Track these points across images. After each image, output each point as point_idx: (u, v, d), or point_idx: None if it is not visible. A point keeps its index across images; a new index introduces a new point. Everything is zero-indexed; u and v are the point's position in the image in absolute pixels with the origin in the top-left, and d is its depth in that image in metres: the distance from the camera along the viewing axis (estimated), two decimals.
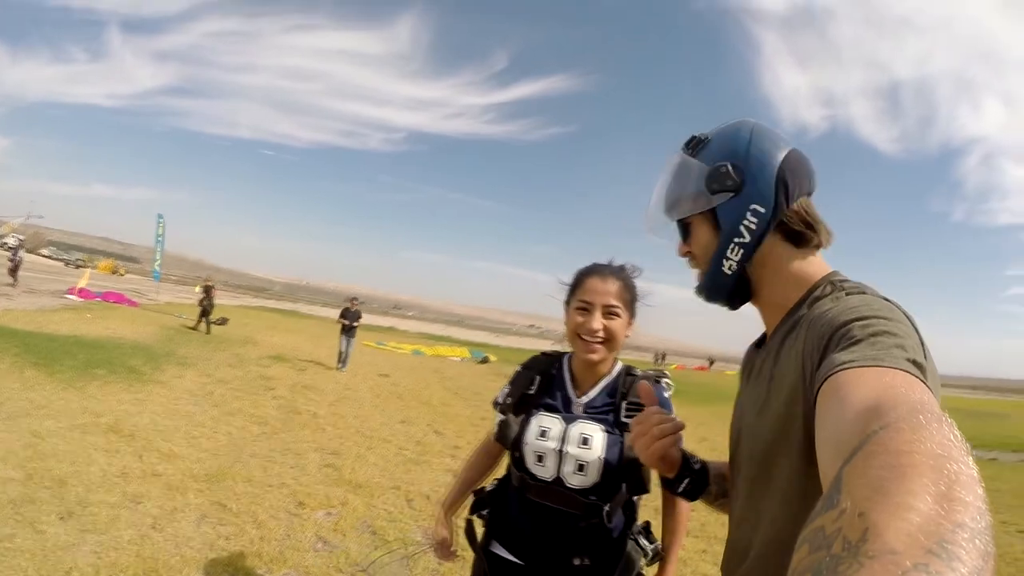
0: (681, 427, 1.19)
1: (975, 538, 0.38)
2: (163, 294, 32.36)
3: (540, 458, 1.79)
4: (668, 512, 1.87)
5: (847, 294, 0.99)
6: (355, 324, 15.77)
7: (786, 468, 0.94)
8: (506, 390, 1.98)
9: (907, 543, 0.37)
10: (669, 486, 1.31)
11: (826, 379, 0.74)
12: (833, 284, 1.06)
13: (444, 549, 2.01)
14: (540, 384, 1.93)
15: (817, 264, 1.13)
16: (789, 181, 1.11)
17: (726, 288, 1.17)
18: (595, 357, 1.79)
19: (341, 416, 8.76)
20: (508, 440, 1.93)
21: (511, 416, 1.93)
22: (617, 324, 1.79)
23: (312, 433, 7.41)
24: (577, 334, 1.80)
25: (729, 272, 1.15)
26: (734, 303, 1.21)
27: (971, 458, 0.46)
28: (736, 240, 1.13)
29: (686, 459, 1.25)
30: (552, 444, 1.77)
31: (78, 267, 54.61)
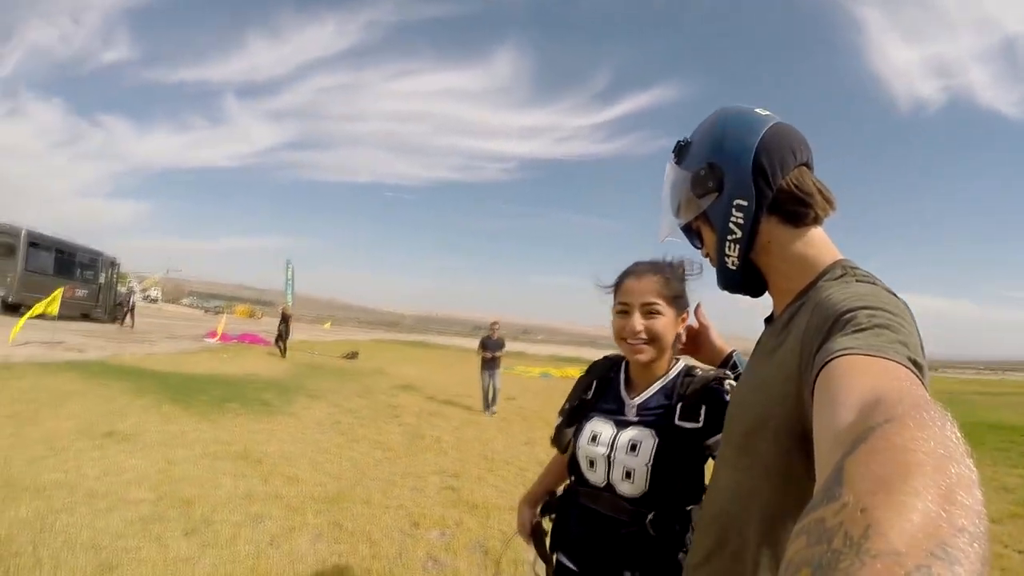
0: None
1: (974, 542, 0.38)
2: (296, 333, 34.06)
3: (592, 463, 1.78)
4: None
5: (857, 281, 1.00)
6: (499, 354, 13.05)
7: (772, 444, 0.97)
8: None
9: (910, 544, 0.38)
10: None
11: (827, 363, 0.75)
12: (844, 269, 1.06)
13: (524, 533, 2.06)
14: (597, 388, 1.92)
15: (821, 246, 1.13)
16: (767, 164, 1.12)
17: (736, 282, 1.21)
18: (642, 358, 1.75)
19: (465, 440, 8.93)
20: (562, 445, 1.94)
21: (567, 421, 1.94)
22: (660, 323, 1.74)
23: (435, 457, 7.59)
24: (621, 338, 1.77)
25: (733, 268, 1.18)
26: (753, 292, 1.23)
27: (971, 460, 0.47)
28: (729, 238, 1.16)
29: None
30: (602, 449, 1.75)
31: (217, 313, 58.79)
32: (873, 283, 0.99)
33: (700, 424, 1.69)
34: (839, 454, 0.51)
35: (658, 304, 1.73)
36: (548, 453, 6.85)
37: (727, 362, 1.73)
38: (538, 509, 2.06)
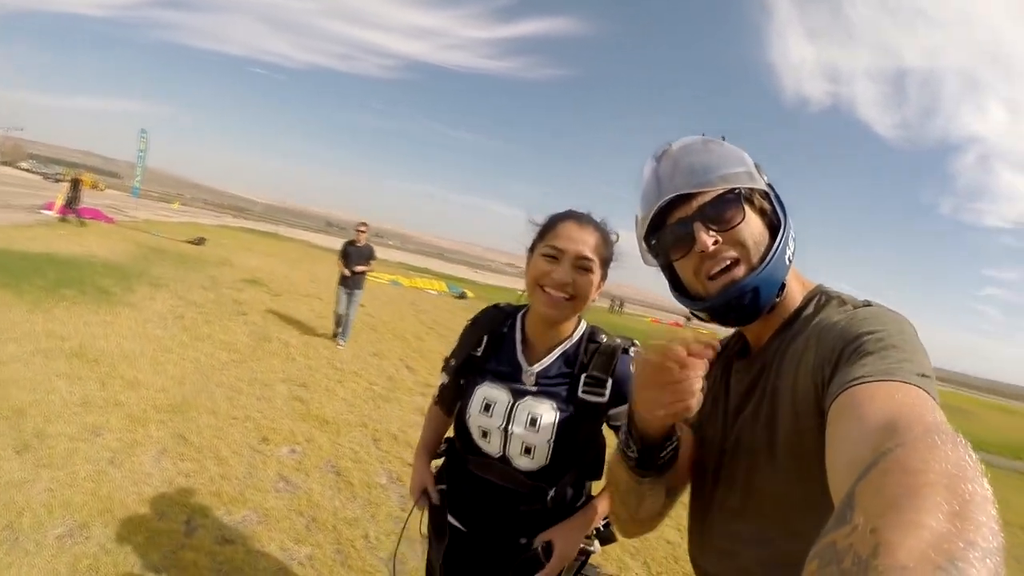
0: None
1: (986, 558, 0.38)
2: (141, 211, 31.86)
3: (485, 434, 1.64)
4: None
5: (855, 307, 0.95)
6: (364, 269, 9.75)
7: (818, 480, 0.87)
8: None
9: (918, 560, 0.37)
10: (649, 454, 1.02)
11: (839, 394, 0.74)
12: (827, 295, 1.02)
13: (423, 496, 1.82)
14: (488, 345, 1.72)
15: (799, 274, 1.08)
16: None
17: (779, 285, 1.01)
18: (556, 315, 1.56)
19: (313, 346, 8.69)
20: (450, 408, 1.80)
21: (455, 380, 1.78)
22: (587, 281, 1.54)
23: (282, 363, 7.34)
24: (539, 284, 1.55)
25: (789, 264, 1.03)
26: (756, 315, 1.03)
27: (986, 479, 0.46)
28: (792, 233, 1.03)
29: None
30: (497, 421, 1.61)
31: (57, 181, 53.66)
32: (869, 304, 0.95)
33: (605, 398, 1.57)
34: (851, 480, 0.52)
35: (592, 261, 1.54)
36: (396, 367, 6.87)
37: None
38: (434, 468, 1.87)
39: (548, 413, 1.58)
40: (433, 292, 27.23)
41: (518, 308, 1.78)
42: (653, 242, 1.09)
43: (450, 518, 1.76)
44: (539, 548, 1.60)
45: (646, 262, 1.15)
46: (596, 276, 1.56)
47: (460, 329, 1.83)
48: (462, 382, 1.76)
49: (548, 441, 1.56)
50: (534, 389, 1.62)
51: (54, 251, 11.62)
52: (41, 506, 3.03)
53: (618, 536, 1.58)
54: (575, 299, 1.54)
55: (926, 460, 0.48)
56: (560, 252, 1.53)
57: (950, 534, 0.39)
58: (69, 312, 7.11)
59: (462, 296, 27.69)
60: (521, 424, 1.58)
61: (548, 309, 1.55)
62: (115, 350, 6.05)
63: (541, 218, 1.67)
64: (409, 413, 6.55)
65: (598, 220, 1.63)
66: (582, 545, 1.67)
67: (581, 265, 1.53)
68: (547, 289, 1.53)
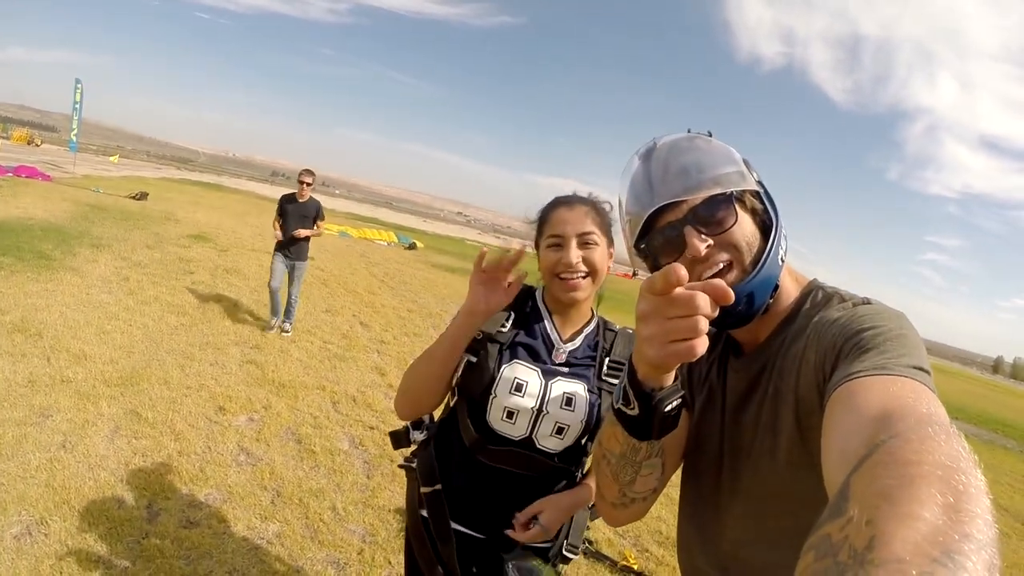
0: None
1: (981, 549, 0.38)
2: (80, 166, 30.44)
3: (511, 415, 1.53)
4: None
5: (854, 305, 0.94)
6: (309, 233, 7.42)
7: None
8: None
9: (913, 552, 0.37)
10: (650, 412, 0.86)
11: (836, 389, 0.74)
12: (825, 291, 1.01)
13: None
14: (515, 322, 1.63)
15: (793, 270, 1.06)
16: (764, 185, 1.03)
17: (773, 287, 0.98)
18: (580, 295, 1.55)
19: (264, 304, 8.35)
20: (474, 388, 1.56)
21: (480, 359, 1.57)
22: (597, 253, 1.55)
23: (233, 324, 7.14)
24: (554, 274, 1.55)
25: (782, 264, 1.00)
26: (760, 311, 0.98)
27: (979, 470, 0.46)
28: (783, 231, 1.00)
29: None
30: (529, 402, 1.52)
31: None
32: (869, 302, 0.94)
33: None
34: (846, 472, 0.51)
35: (594, 234, 1.54)
36: (350, 324, 6.74)
37: None
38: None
39: (580, 392, 1.56)
40: (383, 243, 26.80)
41: (532, 288, 1.72)
42: (642, 246, 1.03)
43: (460, 527, 1.61)
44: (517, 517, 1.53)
45: (634, 265, 1.11)
46: (602, 246, 1.57)
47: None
48: (480, 360, 1.59)
49: (582, 421, 1.54)
50: (565, 369, 1.59)
51: None
52: None
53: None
54: (590, 274, 1.56)
55: (919, 451, 0.48)
56: (563, 238, 1.54)
57: (945, 526, 0.39)
58: (7, 282, 6.66)
59: (412, 247, 27.34)
60: (556, 403, 1.54)
61: (569, 293, 1.55)
62: (59, 321, 5.73)
63: (534, 215, 1.68)
64: (366, 372, 6.48)
65: (585, 195, 1.64)
66: None
67: (585, 241, 1.54)
68: (562, 275, 1.54)
